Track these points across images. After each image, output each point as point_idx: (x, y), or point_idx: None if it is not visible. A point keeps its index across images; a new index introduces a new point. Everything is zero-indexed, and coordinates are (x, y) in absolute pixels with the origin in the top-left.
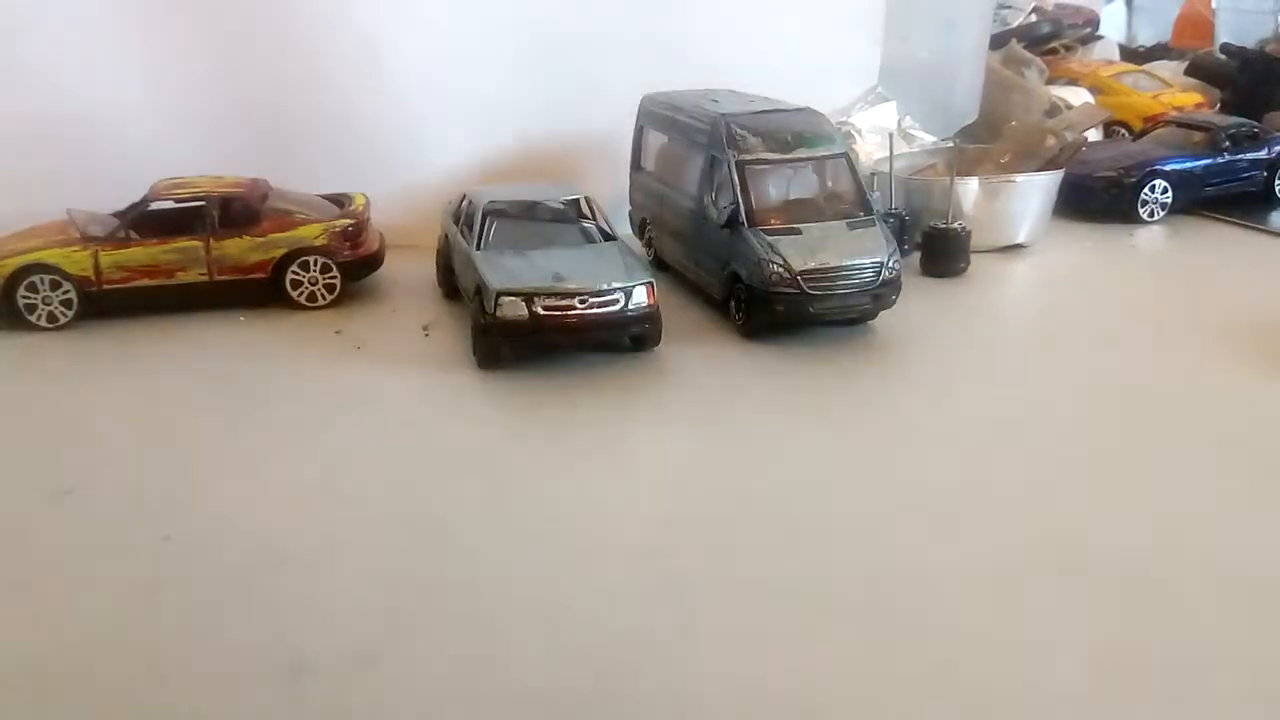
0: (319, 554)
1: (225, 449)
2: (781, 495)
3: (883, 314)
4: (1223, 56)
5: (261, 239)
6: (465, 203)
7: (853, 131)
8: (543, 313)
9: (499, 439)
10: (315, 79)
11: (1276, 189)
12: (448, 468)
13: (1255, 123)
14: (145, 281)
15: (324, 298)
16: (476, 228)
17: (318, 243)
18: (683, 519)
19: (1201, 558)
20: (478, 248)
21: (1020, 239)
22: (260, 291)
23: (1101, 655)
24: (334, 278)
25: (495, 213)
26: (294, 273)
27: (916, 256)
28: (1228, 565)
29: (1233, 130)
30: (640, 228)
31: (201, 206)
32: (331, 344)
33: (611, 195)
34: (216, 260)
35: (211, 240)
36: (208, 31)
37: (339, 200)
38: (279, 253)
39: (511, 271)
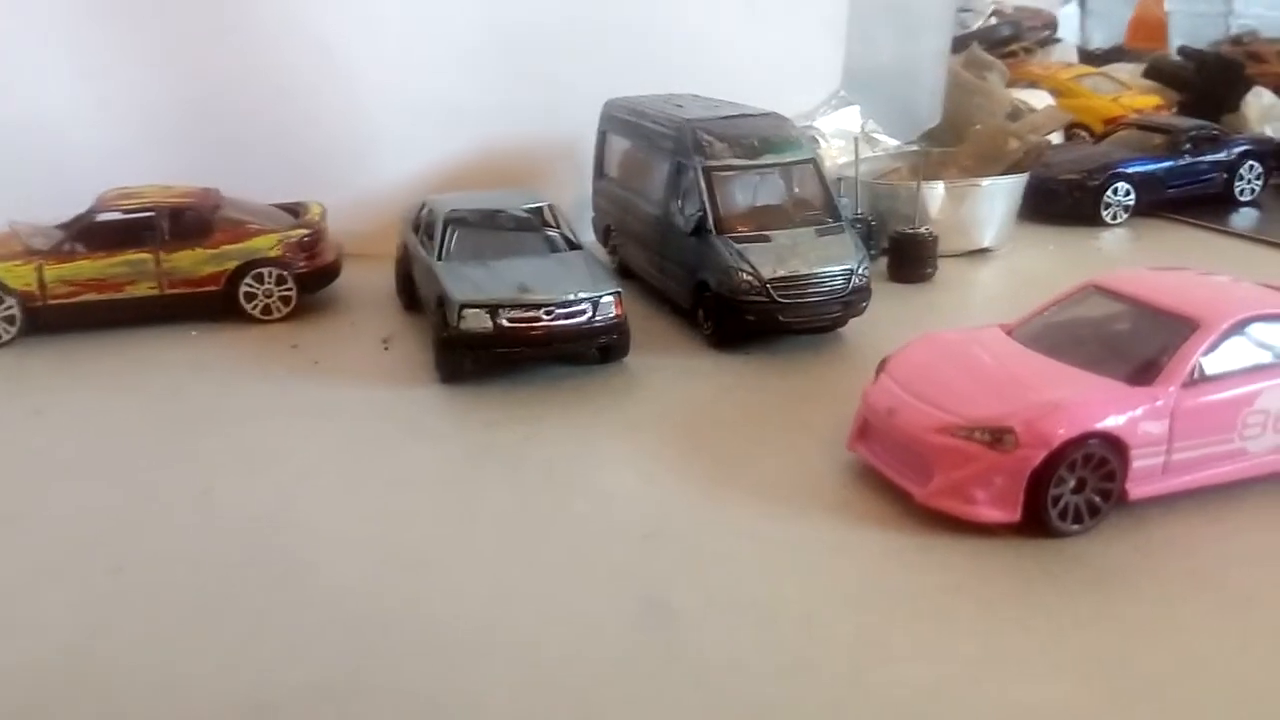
0: (277, 584)
1: (178, 472)
2: (761, 512)
3: (852, 320)
4: (1180, 59)
5: (214, 251)
6: (425, 211)
7: (817, 136)
8: (507, 325)
9: (463, 457)
10: (268, 85)
11: (1236, 191)
12: (410, 489)
13: (1215, 125)
14: (93, 296)
15: (280, 311)
16: (438, 237)
17: (272, 254)
18: (659, 538)
19: None
20: (439, 258)
21: (986, 243)
22: (213, 305)
23: None
24: (290, 290)
25: (457, 222)
26: (248, 285)
27: (883, 262)
28: None
29: (1193, 133)
30: (604, 235)
31: (151, 217)
32: (288, 359)
33: (575, 201)
34: (167, 273)
35: (161, 252)
36: (155, 37)
37: (294, 210)
38: (232, 265)
39: (475, 282)
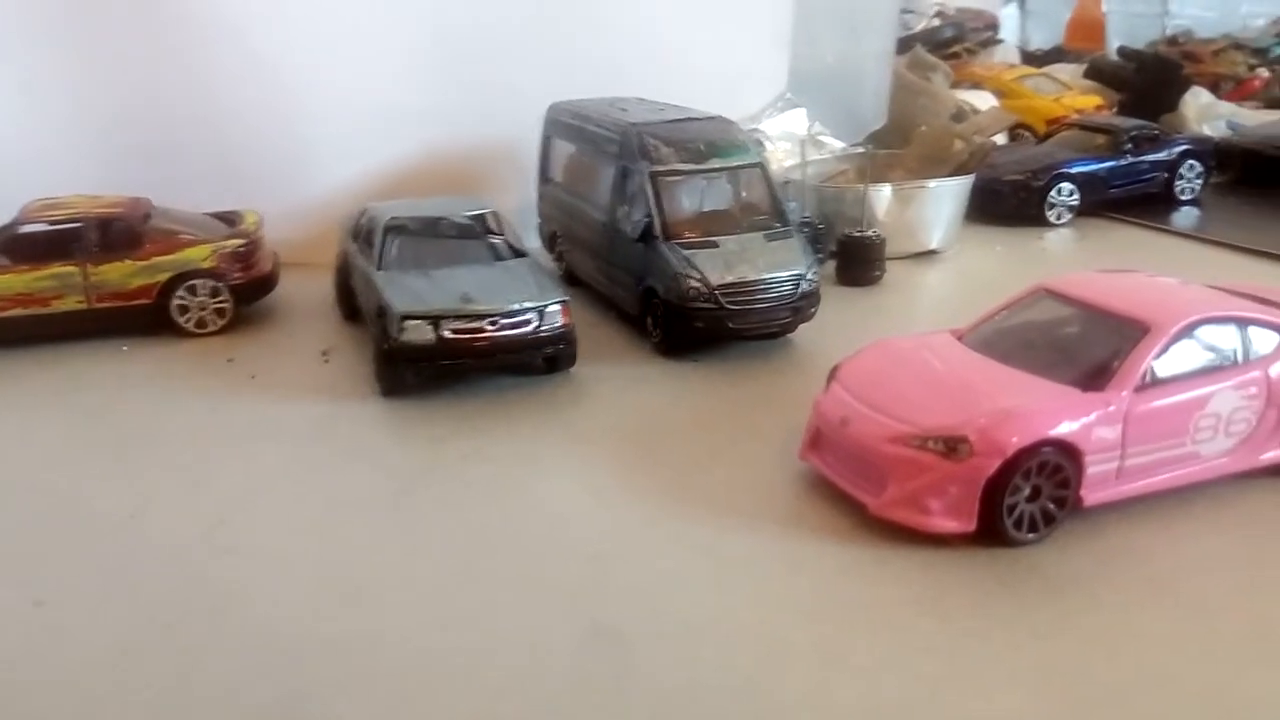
0: (210, 614)
1: (106, 496)
2: (713, 526)
3: (802, 325)
4: (1120, 59)
5: (144, 262)
6: (365, 219)
7: (763, 139)
8: (451, 336)
9: (406, 475)
10: (200, 90)
11: (1176, 190)
12: (349, 510)
13: (1155, 125)
14: (18, 311)
15: (215, 323)
16: (377, 246)
17: (206, 265)
18: (608, 556)
19: None
20: (379, 267)
21: (933, 245)
22: (145, 318)
23: None
24: (225, 302)
25: (397, 229)
26: (181, 297)
27: (832, 265)
28: None
29: (1134, 132)
30: (550, 241)
31: (78, 229)
32: (223, 373)
33: (520, 207)
34: (96, 286)
35: (89, 265)
36: (80, 42)
37: (229, 218)
38: (164, 276)
39: (416, 293)
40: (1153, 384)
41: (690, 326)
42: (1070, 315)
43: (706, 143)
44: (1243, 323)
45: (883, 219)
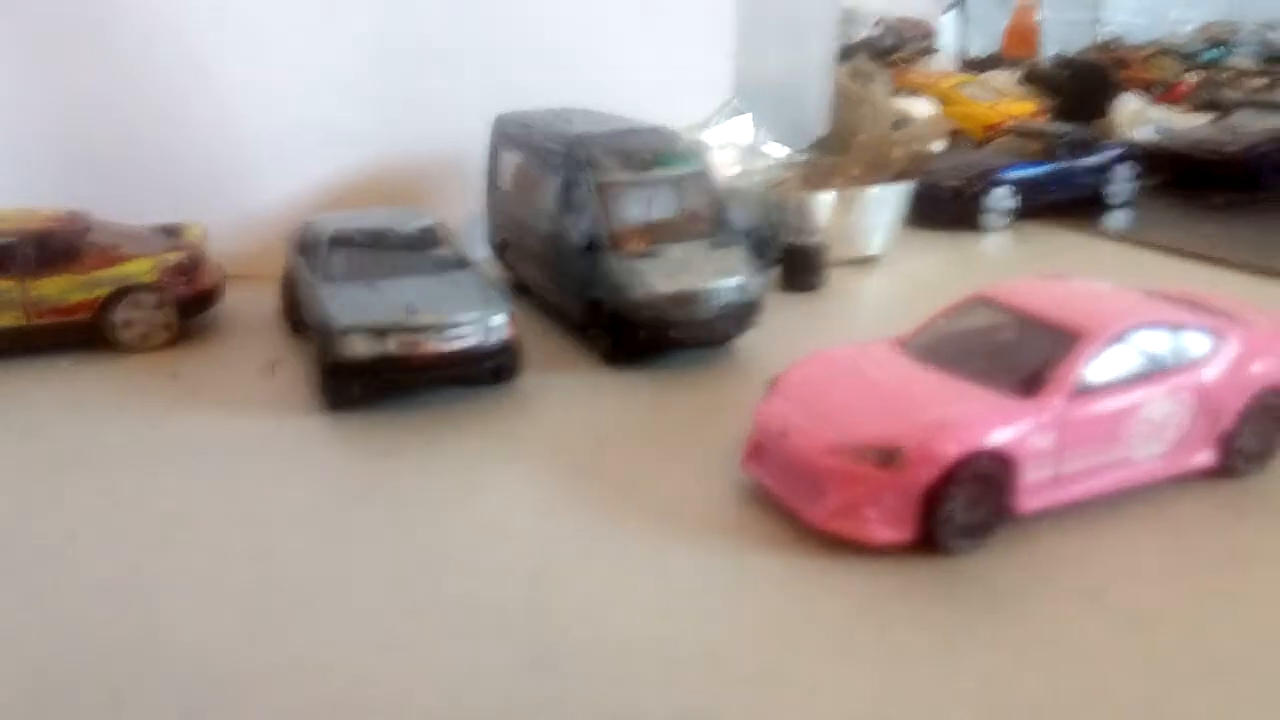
0: (139, 648)
1: (40, 521)
2: (657, 541)
3: (745, 333)
4: (1054, 66)
5: (84, 277)
6: (309, 232)
7: (709, 147)
8: (394, 349)
9: (347, 493)
10: (142, 103)
11: (1110, 194)
12: (288, 530)
13: (1089, 130)
14: None
15: (158, 338)
16: (320, 258)
17: (148, 279)
18: (550, 574)
19: None
20: (322, 280)
21: (874, 250)
22: (85, 334)
23: None
24: (168, 316)
25: (340, 241)
26: (123, 313)
27: (776, 272)
28: None
29: (1069, 138)
30: (499, 250)
31: (13, 244)
32: (166, 390)
33: (468, 217)
34: (34, 302)
35: (27, 280)
36: (17, 52)
37: (172, 231)
38: (104, 291)
39: (359, 306)
40: (1087, 391)
41: (635, 336)
42: (1007, 323)
43: (650, 152)
44: (1175, 327)
45: (825, 226)
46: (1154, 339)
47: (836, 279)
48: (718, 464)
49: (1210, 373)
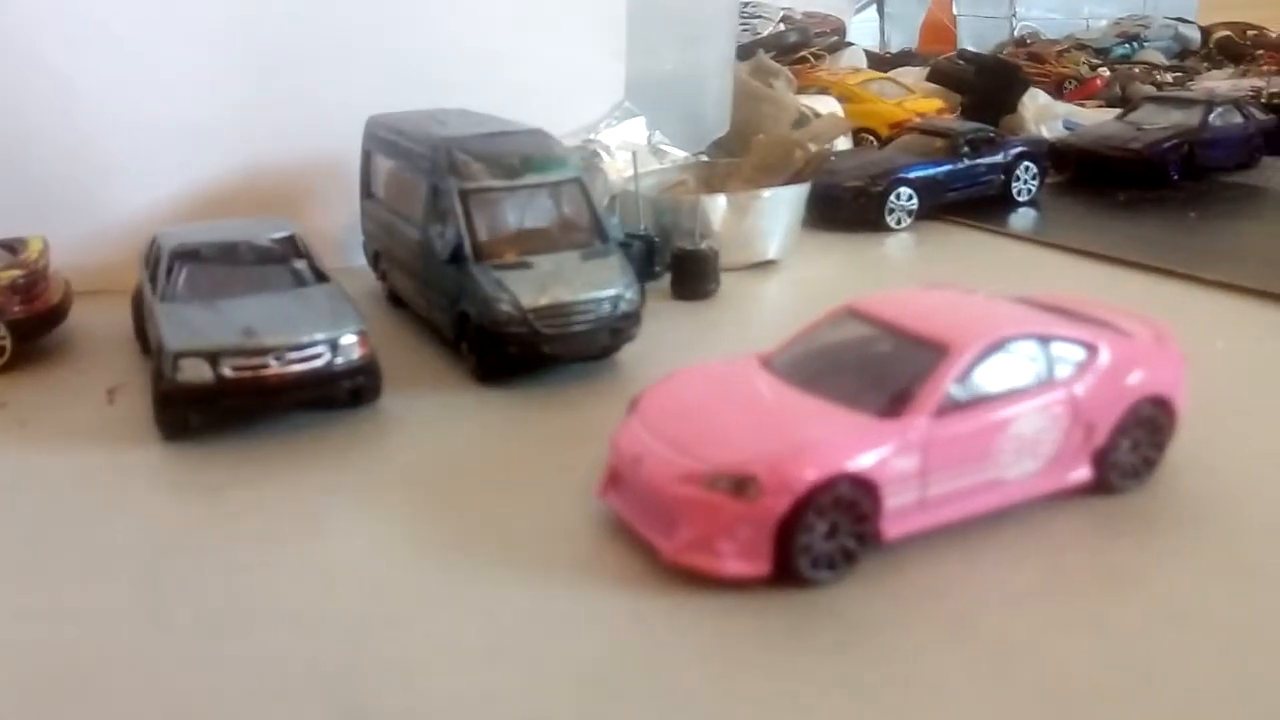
0: None
1: None
2: (497, 582)
3: (631, 344)
4: (960, 62)
5: None
6: (155, 246)
7: (600, 150)
8: (231, 374)
9: (169, 531)
10: None
11: (1014, 192)
12: (96, 576)
13: (992, 128)
14: None
15: None
16: (161, 275)
17: None
18: (377, 623)
19: None
20: (161, 299)
21: (770, 255)
22: None
23: None
24: (2, 339)
25: (185, 257)
26: None
27: (668, 279)
28: None
29: (971, 136)
30: (373, 260)
31: None
32: None
33: (344, 225)
34: None
35: None
36: None
37: (10, 246)
38: None
39: (195, 327)
40: (953, 408)
41: (503, 352)
42: (874, 336)
43: (521, 157)
44: (1046, 340)
45: (718, 230)
46: (1024, 352)
47: (731, 285)
48: (579, 491)
49: (1082, 385)
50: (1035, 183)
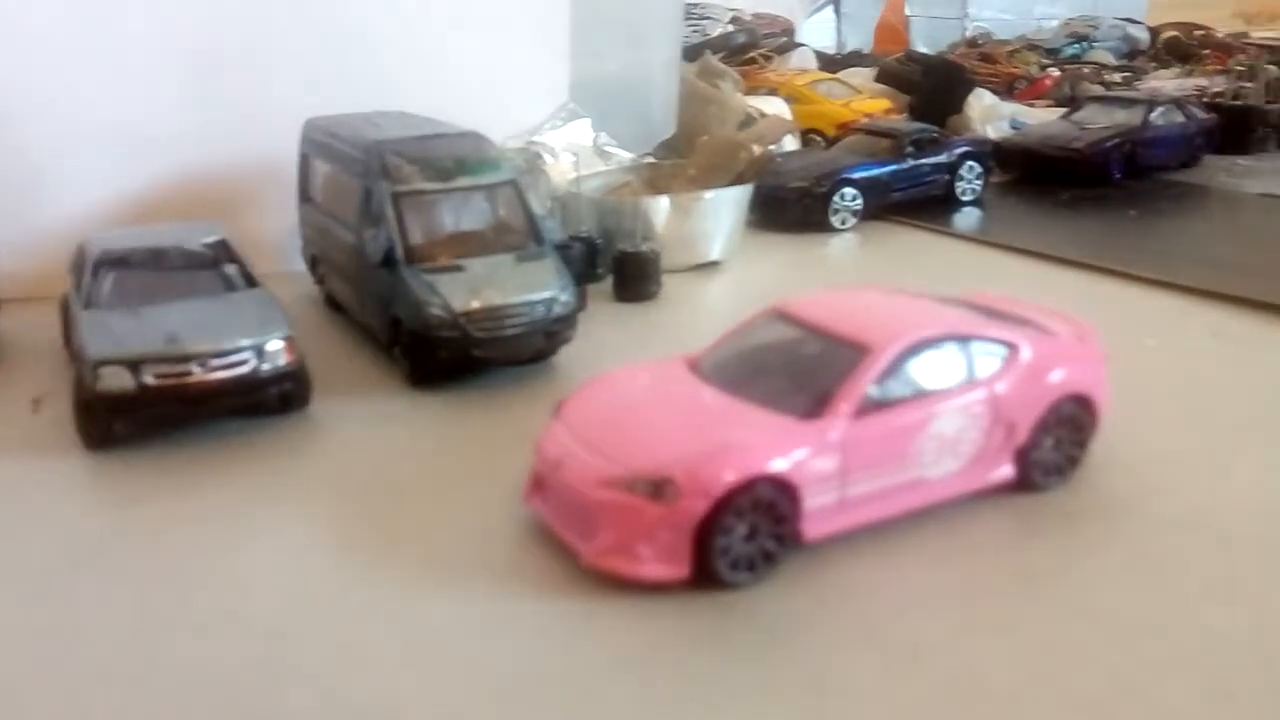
0: None
1: None
2: (416, 589)
3: (570, 344)
4: (908, 63)
5: None
6: (81, 252)
7: (544, 152)
8: (153, 382)
9: (85, 543)
10: None
11: (958, 191)
12: (20, 587)
13: (936, 128)
14: None
15: None
16: (85, 282)
17: None
18: (289, 635)
19: None
20: (85, 306)
21: (714, 256)
22: None
23: None
24: None
25: (110, 263)
26: None
27: (610, 281)
28: None
29: (916, 136)
30: (312, 265)
31: None
32: None
33: (284, 229)
34: None
35: None
36: None
37: None
38: None
39: (116, 335)
40: (872, 408)
41: (435, 356)
42: (799, 338)
43: (455, 160)
44: (966, 339)
45: (661, 231)
46: (944, 351)
47: (674, 286)
48: (504, 498)
49: (1003, 384)
50: (979, 182)
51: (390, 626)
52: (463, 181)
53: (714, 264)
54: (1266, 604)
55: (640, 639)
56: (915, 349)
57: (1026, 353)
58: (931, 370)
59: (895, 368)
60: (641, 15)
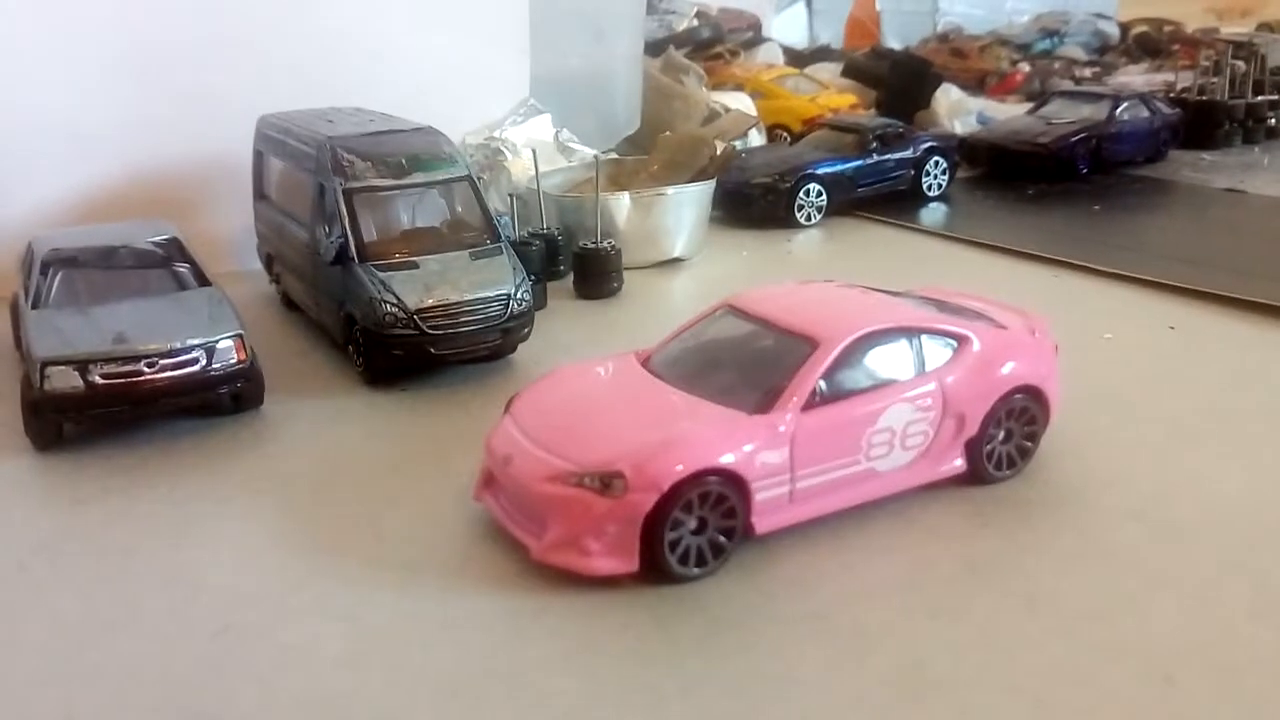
0: None
1: None
2: (364, 586)
3: (529, 342)
4: (874, 58)
5: None
6: (29, 251)
7: (504, 148)
8: (101, 382)
9: (30, 545)
10: None
11: (924, 186)
12: None
13: (901, 123)
14: None
15: None
16: (33, 281)
17: None
18: (235, 632)
19: None
20: (33, 305)
21: (677, 252)
22: None
23: None
24: None
25: (59, 263)
26: None
27: (571, 278)
28: None
29: (880, 131)
30: (267, 263)
31: None
32: None
33: (240, 226)
34: None
35: None
36: None
37: None
38: None
39: (64, 335)
40: (821, 401)
41: (390, 354)
42: (750, 333)
43: (408, 156)
44: (915, 333)
45: (623, 228)
46: (893, 344)
47: (635, 283)
48: (458, 494)
49: (953, 377)
50: (945, 177)
51: (338, 625)
52: (417, 178)
53: (677, 260)
54: (1211, 592)
55: (590, 633)
56: (864, 342)
57: (976, 345)
58: (881, 363)
59: (844, 361)
60: (603, 9)
